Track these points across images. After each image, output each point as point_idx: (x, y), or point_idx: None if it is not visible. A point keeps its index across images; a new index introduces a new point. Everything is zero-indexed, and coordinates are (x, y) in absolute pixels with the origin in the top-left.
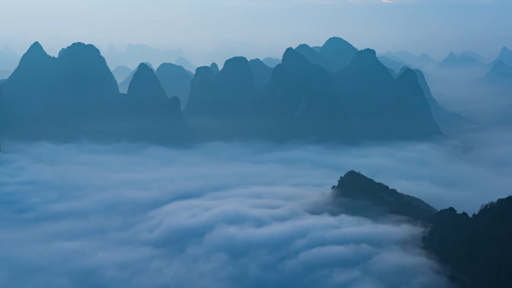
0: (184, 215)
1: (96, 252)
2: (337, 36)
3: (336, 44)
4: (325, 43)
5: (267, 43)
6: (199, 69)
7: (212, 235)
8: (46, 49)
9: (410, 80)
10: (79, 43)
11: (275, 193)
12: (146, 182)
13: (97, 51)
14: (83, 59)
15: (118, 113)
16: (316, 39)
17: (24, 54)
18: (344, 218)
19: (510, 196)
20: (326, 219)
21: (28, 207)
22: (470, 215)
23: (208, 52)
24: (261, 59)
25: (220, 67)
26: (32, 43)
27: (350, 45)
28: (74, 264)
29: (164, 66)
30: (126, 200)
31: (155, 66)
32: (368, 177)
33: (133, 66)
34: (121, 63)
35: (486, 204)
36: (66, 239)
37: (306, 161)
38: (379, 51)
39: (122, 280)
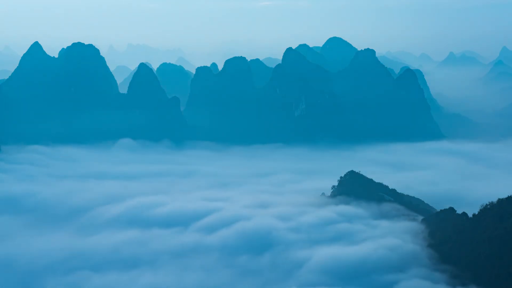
0: None
1: None
2: (337, 36)
3: (336, 44)
4: (325, 43)
5: (267, 43)
6: (199, 69)
7: None
8: (46, 49)
9: (410, 80)
10: (79, 43)
11: (274, 192)
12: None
13: (97, 51)
14: (83, 59)
15: (118, 113)
16: (316, 39)
17: (24, 54)
18: (343, 218)
19: (510, 196)
20: (325, 219)
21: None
22: (470, 215)
23: (208, 52)
24: (261, 59)
25: (220, 67)
26: (32, 43)
27: (350, 45)
28: None
29: (164, 66)
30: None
31: (155, 66)
32: (368, 177)
33: (133, 66)
34: (121, 63)
35: (486, 204)
36: None
37: (305, 161)
38: (379, 51)
39: None
